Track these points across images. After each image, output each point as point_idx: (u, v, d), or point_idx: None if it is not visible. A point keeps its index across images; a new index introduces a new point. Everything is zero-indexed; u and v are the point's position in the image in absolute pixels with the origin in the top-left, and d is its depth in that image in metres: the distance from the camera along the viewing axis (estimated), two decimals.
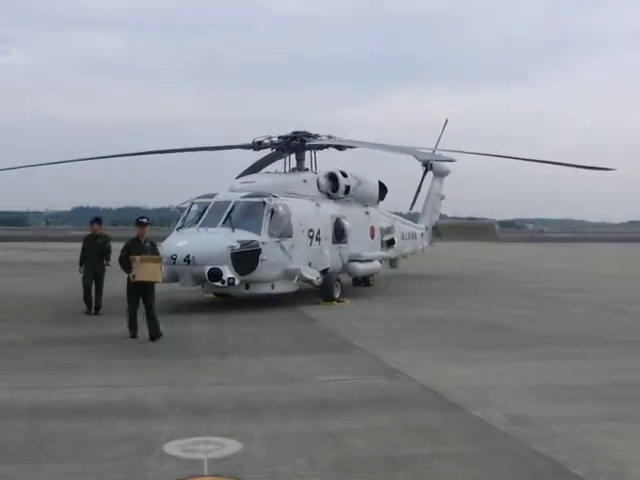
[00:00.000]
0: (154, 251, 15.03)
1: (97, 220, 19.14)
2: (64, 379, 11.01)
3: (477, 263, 43.65)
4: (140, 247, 14.70)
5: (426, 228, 32.98)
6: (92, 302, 18.42)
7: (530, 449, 7.63)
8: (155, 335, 14.36)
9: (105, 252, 18.57)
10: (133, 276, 14.29)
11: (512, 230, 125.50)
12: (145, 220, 15.02)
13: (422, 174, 34.00)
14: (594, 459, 7.32)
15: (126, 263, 14.48)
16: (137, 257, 14.25)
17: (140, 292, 14.55)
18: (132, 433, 8.06)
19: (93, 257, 18.52)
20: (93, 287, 18.45)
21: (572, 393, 10.29)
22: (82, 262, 18.66)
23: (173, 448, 7.49)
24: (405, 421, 8.72)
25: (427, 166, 33.45)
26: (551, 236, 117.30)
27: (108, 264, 18.45)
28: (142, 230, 14.96)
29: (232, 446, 7.57)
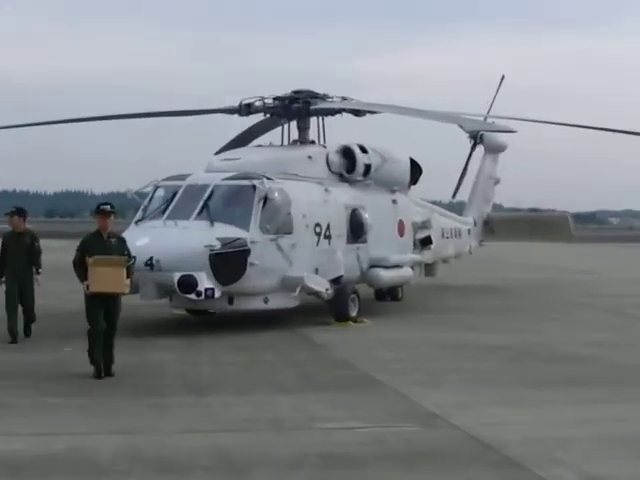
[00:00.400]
0: (122, 250, 14.70)
1: (19, 212, 18.62)
2: None
3: (544, 270, 43.55)
4: (102, 245, 14.41)
5: (474, 223, 32.89)
6: (17, 327, 17.98)
7: None
8: (108, 368, 14.22)
9: (33, 255, 18.24)
10: (87, 286, 14.09)
11: (592, 226, 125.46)
12: (108, 208, 14.64)
13: (469, 150, 33.96)
14: None
15: (82, 268, 14.23)
16: (90, 259, 13.97)
17: (102, 306, 14.29)
18: None
19: (17, 262, 18.12)
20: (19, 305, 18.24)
21: None
22: (1, 270, 18.27)
23: None
24: None
25: (476, 139, 33.34)
26: None
27: (39, 271, 18.36)
28: (104, 221, 14.57)
29: None
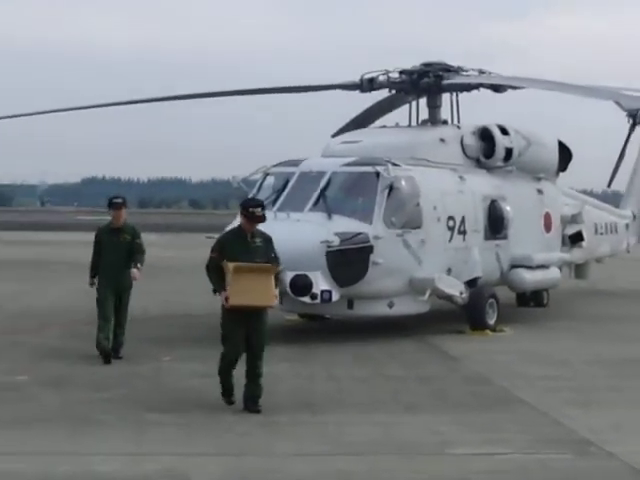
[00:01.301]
0: (268, 253, 13.29)
1: (120, 203, 17.43)
2: (78, 441, 11.25)
3: None
4: (245, 246, 13.05)
5: (634, 216, 32.47)
6: (108, 344, 16.71)
7: None
8: (254, 403, 12.92)
9: (135, 254, 17.09)
10: (226, 298, 12.73)
11: None
12: (260, 210, 13.35)
13: (628, 132, 33.48)
14: None
15: (218, 274, 12.94)
16: (231, 265, 12.60)
17: (244, 324, 12.94)
18: None
19: (114, 262, 16.94)
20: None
21: None
22: (94, 269, 17.35)
23: None
24: None
25: (636, 118, 32.90)
26: None
27: (137, 266, 17.10)
28: (249, 224, 13.29)
29: None
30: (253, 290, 12.45)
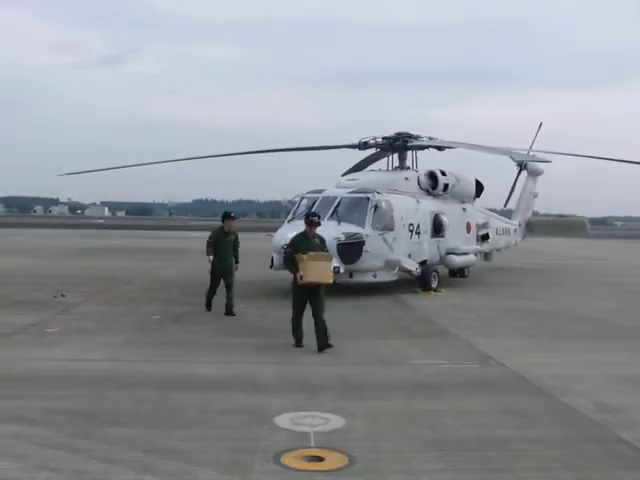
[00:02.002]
0: (323, 248, 12.66)
1: (232, 216, 16.62)
2: (188, 354, 11.36)
3: (569, 258, 42.56)
4: (309, 243, 12.41)
5: (519, 224, 32.32)
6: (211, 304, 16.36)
7: (615, 436, 7.50)
8: (325, 342, 11.93)
9: (236, 249, 16.42)
10: (300, 277, 11.84)
11: (602, 227, 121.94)
12: (316, 219, 12.83)
13: (517, 173, 33.38)
14: None
15: (293, 262, 12.17)
16: (304, 255, 11.88)
17: (307, 296, 12.17)
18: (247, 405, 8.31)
19: (224, 254, 16.09)
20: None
21: None
22: (214, 253, 16.12)
23: (283, 421, 7.68)
24: (496, 404, 8.68)
25: (521, 166, 32.83)
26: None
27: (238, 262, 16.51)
28: (310, 228, 12.67)
29: (336, 421, 7.70)
30: (320, 272, 11.90)
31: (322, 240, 12.74)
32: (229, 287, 15.96)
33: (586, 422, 8.03)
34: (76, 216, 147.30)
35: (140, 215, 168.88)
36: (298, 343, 12.18)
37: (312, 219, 12.70)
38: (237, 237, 16.38)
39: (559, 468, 6.53)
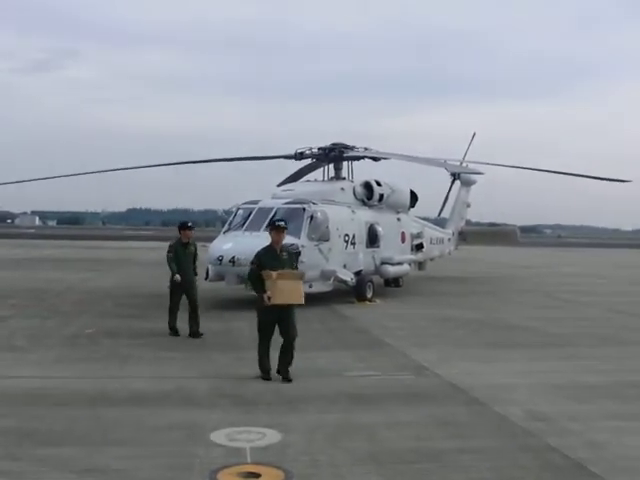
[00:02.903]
0: (292, 263, 11.12)
1: (191, 226, 15.37)
2: (121, 369, 11.17)
3: (501, 266, 43.36)
4: (276, 258, 10.76)
5: (453, 233, 32.79)
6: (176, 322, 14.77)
7: (546, 444, 7.64)
8: (287, 375, 10.56)
9: (195, 261, 15.28)
10: (268, 297, 10.45)
11: (532, 235, 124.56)
12: (283, 224, 11.33)
13: (450, 183, 33.87)
14: (606, 455, 7.32)
15: (259, 281, 10.63)
16: (273, 273, 10.45)
17: (276, 318, 10.65)
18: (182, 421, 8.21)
19: (185, 266, 14.81)
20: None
21: (587, 391, 10.24)
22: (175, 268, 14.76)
23: (219, 436, 7.61)
24: (432, 415, 8.75)
25: (455, 176, 33.30)
26: (569, 241, 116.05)
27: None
28: (279, 236, 11.07)
29: (272, 436, 7.66)
30: (290, 292, 10.44)
31: (290, 254, 11.24)
32: (193, 305, 14.64)
33: (519, 431, 8.15)
34: (6, 225, 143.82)
35: (72, 224, 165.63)
36: (266, 376, 10.55)
37: (278, 224, 11.15)
38: (197, 248, 15.26)
39: (493, 478, 6.61)
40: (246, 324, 16.23)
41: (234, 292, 21.65)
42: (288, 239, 19.46)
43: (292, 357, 10.63)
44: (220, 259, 19.11)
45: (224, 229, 21.41)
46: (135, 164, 28.46)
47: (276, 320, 10.66)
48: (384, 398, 9.58)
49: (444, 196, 33.89)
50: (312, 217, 20.33)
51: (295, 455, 7.07)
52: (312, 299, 20.61)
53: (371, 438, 7.73)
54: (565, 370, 11.84)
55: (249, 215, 20.80)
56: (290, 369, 10.59)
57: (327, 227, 20.88)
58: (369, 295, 21.85)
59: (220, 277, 19.52)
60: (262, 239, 19.29)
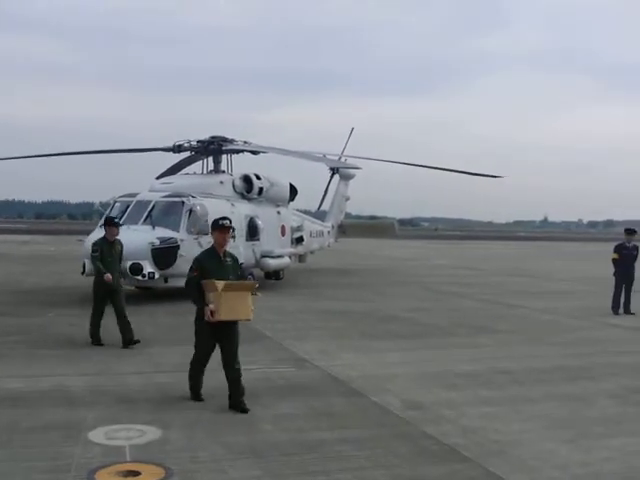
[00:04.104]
0: (237, 271, 9.42)
1: (117, 223, 14.30)
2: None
3: (379, 258, 44.23)
4: (219, 266, 9.07)
5: (332, 226, 33.25)
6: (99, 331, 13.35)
7: (422, 431, 7.92)
8: (241, 402, 8.85)
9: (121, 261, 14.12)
10: (211, 313, 8.76)
11: (409, 228, 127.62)
12: (227, 222, 9.24)
13: (329, 177, 34.31)
14: (478, 440, 7.66)
15: (199, 292, 9.00)
16: (219, 283, 8.74)
17: (218, 335, 9.05)
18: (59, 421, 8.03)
19: (110, 264, 13.44)
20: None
21: (460, 379, 10.66)
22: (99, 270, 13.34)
23: (98, 435, 7.49)
24: (312, 407, 8.89)
25: (334, 170, 33.75)
26: (445, 234, 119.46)
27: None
28: (223, 237, 9.20)
29: (153, 433, 7.61)
30: (237, 306, 8.83)
31: (235, 260, 9.44)
32: (120, 311, 13.19)
33: (396, 420, 8.41)
34: None
35: None
36: (197, 397, 9.24)
37: (223, 223, 9.18)
38: (123, 247, 13.98)
39: (371, 467, 6.79)
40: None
41: None
42: (166, 232, 19.57)
43: (240, 381, 8.96)
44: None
45: (100, 222, 20.93)
46: (5, 155, 27.49)
47: (218, 338, 9.05)
48: (264, 391, 9.66)
49: (324, 190, 34.37)
50: (191, 210, 20.19)
51: (175, 451, 7.04)
52: None
53: (251, 431, 7.79)
54: (441, 359, 12.25)
55: (127, 208, 20.45)
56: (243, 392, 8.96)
57: (206, 220, 20.71)
58: None
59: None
60: (140, 232, 19.31)
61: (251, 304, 9.05)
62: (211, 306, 8.72)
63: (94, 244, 13.75)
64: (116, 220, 14.44)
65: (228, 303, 8.73)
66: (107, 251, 13.44)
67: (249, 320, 9.32)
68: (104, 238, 13.68)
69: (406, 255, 48.89)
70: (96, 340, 13.16)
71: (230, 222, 9.29)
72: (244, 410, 8.64)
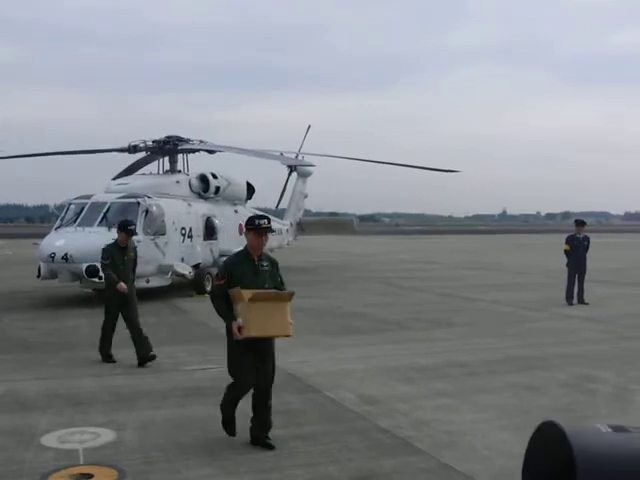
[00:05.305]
0: (276, 278, 7.88)
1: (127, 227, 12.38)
2: None
3: (339, 255, 44.36)
4: (253, 271, 7.51)
5: (291, 224, 33.30)
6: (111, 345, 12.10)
7: (376, 426, 7.98)
8: (267, 436, 7.43)
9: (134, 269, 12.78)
10: (238, 328, 7.26)
11: (370, 224, 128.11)
12: (265, 222, 7.52)
13: (287, 175, 34.38)
14: (431, 432, 7.75)
15: (225, 301, 7.52)
16: (245, 292, 7.22)
17: (255, 352, 7.50)
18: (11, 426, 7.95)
19: (122, 270, 12.16)
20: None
21: (417, 373, 10.75)
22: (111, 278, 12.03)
23: (50, 439, 7.44)
24: None
25: (292, 168, 33.80)
26: (405, 229, 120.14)
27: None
28: (259, 240, 7.49)
29: (107, 435, 7.57)
30: (270, 320, 7.32)
31: (274, 264, 7.89)
32: (132, 322, 11.93)
33: (351, 415, 8.47)
34: None
35: None
36: (233, 430, 7.69)
37: (260, 223, 7.47)
38: (136, 254, 12.81)
39: (325, 462, 6.83)
40: (82, 322, 15.92)
41: (67, 290, 21.10)
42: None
43: (269, 411, 7.59)
44: (52, 256, 18.55)
45: (56, 225, 20.78)
46: None
47: (255, 354, 7.49)
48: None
49: (282, 188, 34.40)
50: (147, 211, 20.10)
51: (129, 453, 7.02)
52: (150, 294, 20.45)
53: (206, 431, 7.80)
54: (398, 354, 12.35)
55: (82, 210, 20.29)
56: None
57: (163, 221, 20.71)
58: (208, 288, 21.75)
59: (53, 275, 18.96)
60: (97, 235, 19.15)
61: (289, 317, 7.55)
62: (239, 320, 7.24)
63: (104, 250, 12.28)
64: (131, 226, 12.52)
65: (259, 317, 7.21)
66: (119, 257, 12.09)
67: (288, 336, 7.80)
68: (115, 243, 12.30)
69: (367, 251, 49.09)
70: (106, 357, 11.87)
71: (269, 221, 7.61)
72: (271, 446, 7.27)
